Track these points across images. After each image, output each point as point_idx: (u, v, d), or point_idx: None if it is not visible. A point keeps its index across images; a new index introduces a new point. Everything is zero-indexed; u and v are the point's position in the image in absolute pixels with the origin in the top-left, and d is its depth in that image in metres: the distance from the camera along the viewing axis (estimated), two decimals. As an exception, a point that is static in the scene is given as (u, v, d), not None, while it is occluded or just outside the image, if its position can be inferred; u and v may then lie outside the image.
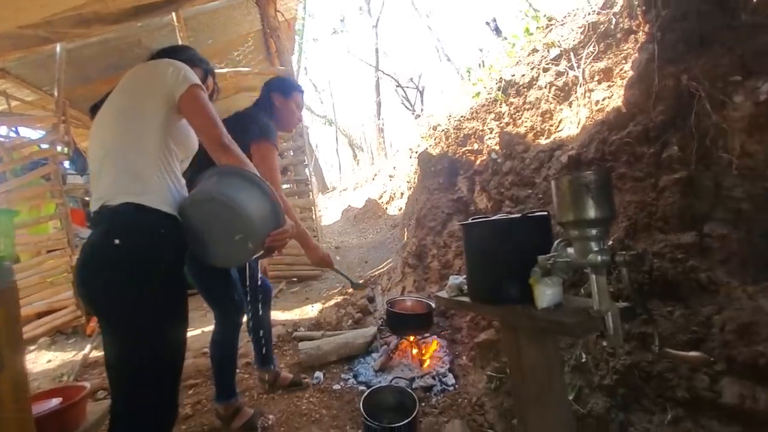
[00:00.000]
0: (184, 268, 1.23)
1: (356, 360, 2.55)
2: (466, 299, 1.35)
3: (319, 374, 2.43)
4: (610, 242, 1.73)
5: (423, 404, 1.97)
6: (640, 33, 2.11)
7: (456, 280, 1.43)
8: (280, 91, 1.99)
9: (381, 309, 3.39)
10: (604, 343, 1.49)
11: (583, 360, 1.52)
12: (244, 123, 1.76)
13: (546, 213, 1.21)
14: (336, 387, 2.28)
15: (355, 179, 14.21)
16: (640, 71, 1.98)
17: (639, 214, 1.73)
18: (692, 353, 0.95)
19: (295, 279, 5.20)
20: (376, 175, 12.06)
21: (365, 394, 1.82)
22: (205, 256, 1.16)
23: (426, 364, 2.34)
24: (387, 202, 9.11)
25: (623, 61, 2.21)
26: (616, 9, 2.35)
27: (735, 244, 1.38)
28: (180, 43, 4.43)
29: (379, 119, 16.83)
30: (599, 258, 0.97)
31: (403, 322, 2.44)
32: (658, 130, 1.75)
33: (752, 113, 1.36)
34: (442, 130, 4.13)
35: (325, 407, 2.10)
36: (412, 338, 2.46)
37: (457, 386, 2.12)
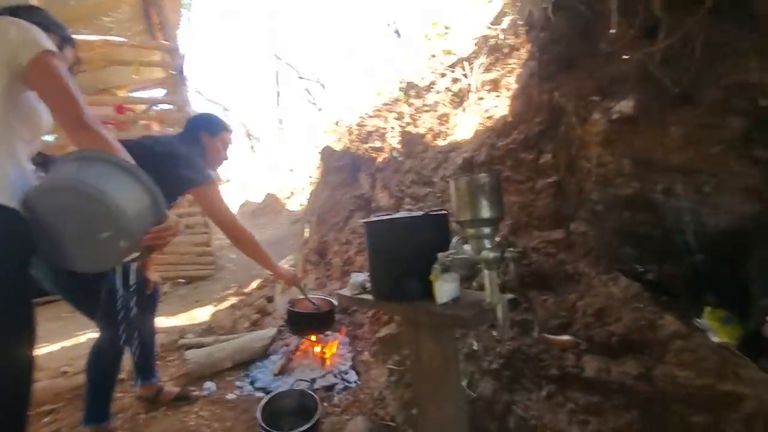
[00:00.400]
0: (35, 272, 1.01)
1: (253, 365, 2.41)
2: (368, 297, 1.35)
3: (210, 384, 2.22)
4: (498, 239, 1.91)
5: (326, 404, 1.94)
6: (523, 51, 2.36)
7: (358, 277, 1.43)
8: (207, 130, 1.97)
9: (281, 309, 3.25)
10: (494, 332, 1.63)
11: (475, 348, 1.65)
12: (177, 165, 1.68)
13: (445, 212, 1.27)
14: (230, 396, 2.12)
15: (253, 172, 13.43)
16: (522, 85, 2.21)
17: (520, 213, 1.94)
18: (563, 337, 1.09)
19: (181, 280, 4.72)
20: (275, 168, 11.56)
21: (263, 401, 1.72)
22: (60, 258, 0.95)
23: (328, 363, 2.31)
24: (287, 197, 8.82)
25: (509, 74, 2.45)
26: (504, 26, 2.60)
27: (592, 240, 1.63)
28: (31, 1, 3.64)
29: (278, 110, 16.10)
30: (492, 255, 1.04)
31: (305, 322, 2.37)
32: (536, 139, 1.98)
33: (606, 129, 1.60)
34: (345, 126, 4.12)
35: (218, 420, 1.93)
36: (313, 338, 2.40)
37: (359, 382, 2.13)
